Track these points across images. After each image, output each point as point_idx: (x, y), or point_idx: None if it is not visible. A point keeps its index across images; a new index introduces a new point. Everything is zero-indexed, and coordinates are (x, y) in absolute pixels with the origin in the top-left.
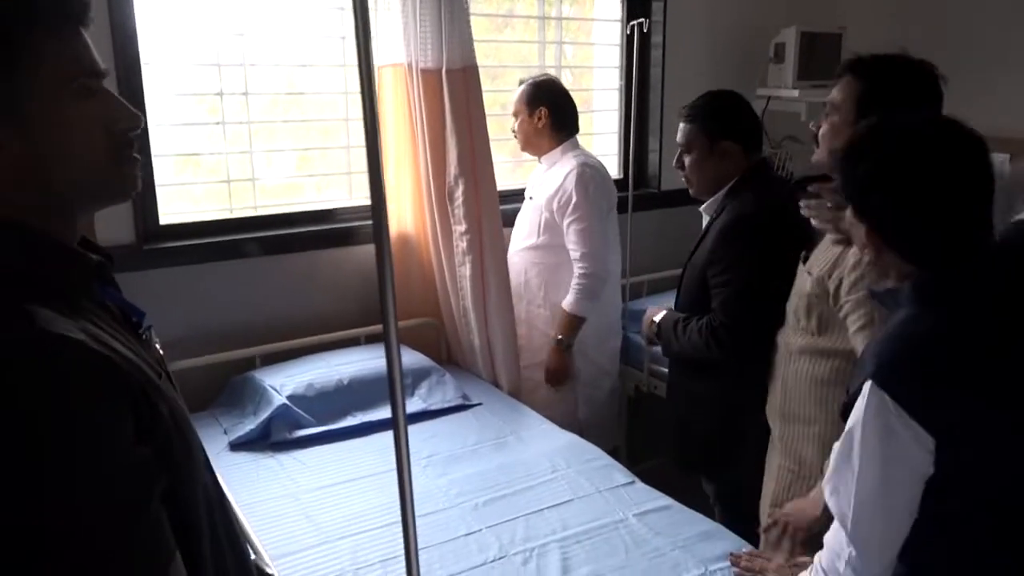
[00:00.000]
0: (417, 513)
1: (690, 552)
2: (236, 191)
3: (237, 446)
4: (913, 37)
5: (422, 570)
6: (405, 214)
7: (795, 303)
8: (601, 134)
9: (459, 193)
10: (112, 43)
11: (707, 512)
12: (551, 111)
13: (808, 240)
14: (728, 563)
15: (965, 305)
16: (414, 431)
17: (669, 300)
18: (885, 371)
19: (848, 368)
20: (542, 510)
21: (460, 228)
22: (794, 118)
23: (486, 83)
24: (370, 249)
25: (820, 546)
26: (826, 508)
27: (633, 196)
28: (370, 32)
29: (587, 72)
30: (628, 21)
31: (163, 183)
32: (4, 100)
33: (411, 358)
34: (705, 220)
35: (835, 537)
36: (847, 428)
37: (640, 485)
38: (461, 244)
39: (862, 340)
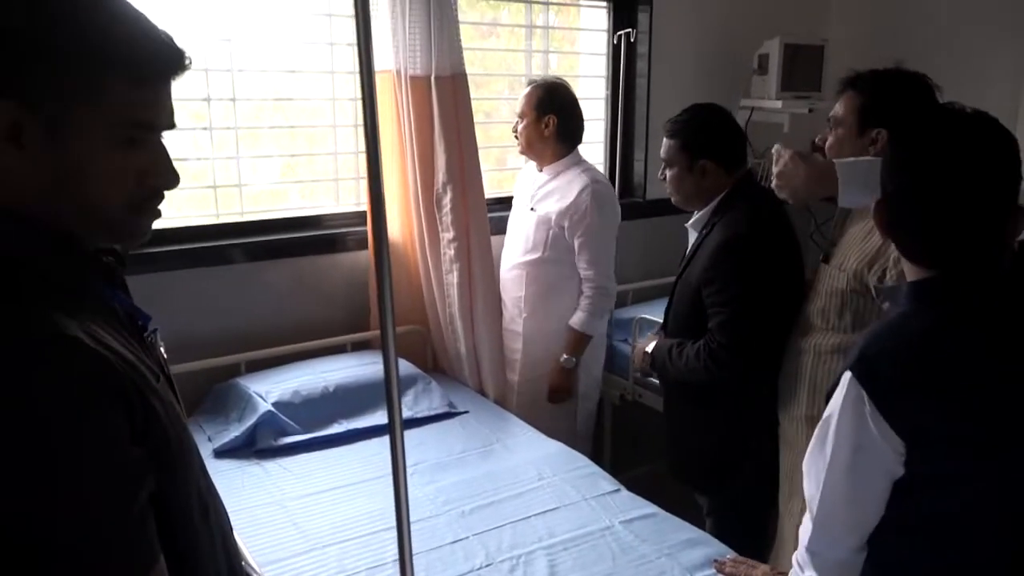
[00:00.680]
0: None
1: (675, 559)
2: (222, 197)
3: (221, 453)
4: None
5: None
6: (393, 221)
7: (823, 303)
8: (587, 143)
9: (447, 200)
10: None
11: (694, 520)
12: (560, 120)
13: (798, 249)
14: (713, 570)
15: (960, 312)
16: None
17: (654, 308)
18: (864, 366)
19: None
20: (529, 517)
21: (448, 235)
22: (777, 128)
23: (471, 91)
24: (357, 256)
25: None
26: None
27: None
28: (371, 39)
29: (573, 81)
30: (614, 31)
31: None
32: (52, 123)
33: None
34: (692, 236)
35: (804, 526)
36: (826, 414)
37: (625, 493)
38: (449, 251)
39: None
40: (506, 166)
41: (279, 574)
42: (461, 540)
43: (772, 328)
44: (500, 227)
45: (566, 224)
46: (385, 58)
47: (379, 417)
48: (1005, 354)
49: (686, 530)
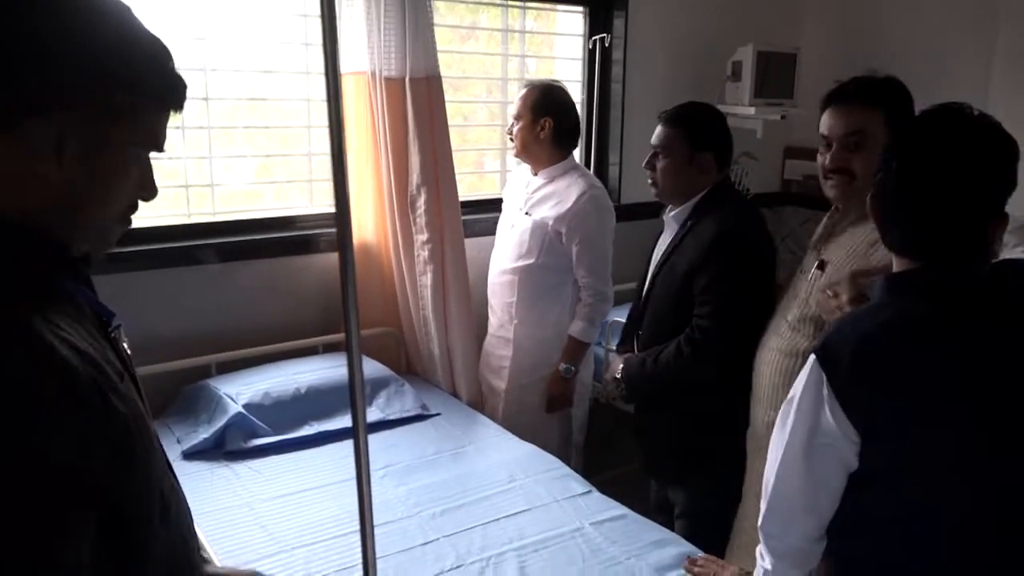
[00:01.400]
0: (374, 523)
1: (644, 560)
2: (194, 196)
3: (190, 455)
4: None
5: None
6: (366, 222)
7: (812, 311)
8: None
9: (421, 202)
10: None
11: (666, 522)
12: (556, 122)
13: (776, 252)
14: (682, 570)
15: (925, 309)
16: (372, 441)
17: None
18: (826, 351)
19: None
20: (499, 519)
21: (422, 237)
22: (750, 135)
23: (448, 94)
24: (330, 257)
25: None
26: None
27: None
28: (337, 40)
29: None
30: (590, 36)
31: None
32: (88, 140)
33: (370, 367)
34: (669, 229)
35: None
36: (790, 395)
37: (596, 495)
38: (423, 253)
39: None
40: (484, 169)
41: None
42: (431, 542)
43: (752, 324)
44: (476, 230)
45: (564, 230)
46: (360, 60)
47: (350, 419)
48: (961, 362)
49: (656, 531)
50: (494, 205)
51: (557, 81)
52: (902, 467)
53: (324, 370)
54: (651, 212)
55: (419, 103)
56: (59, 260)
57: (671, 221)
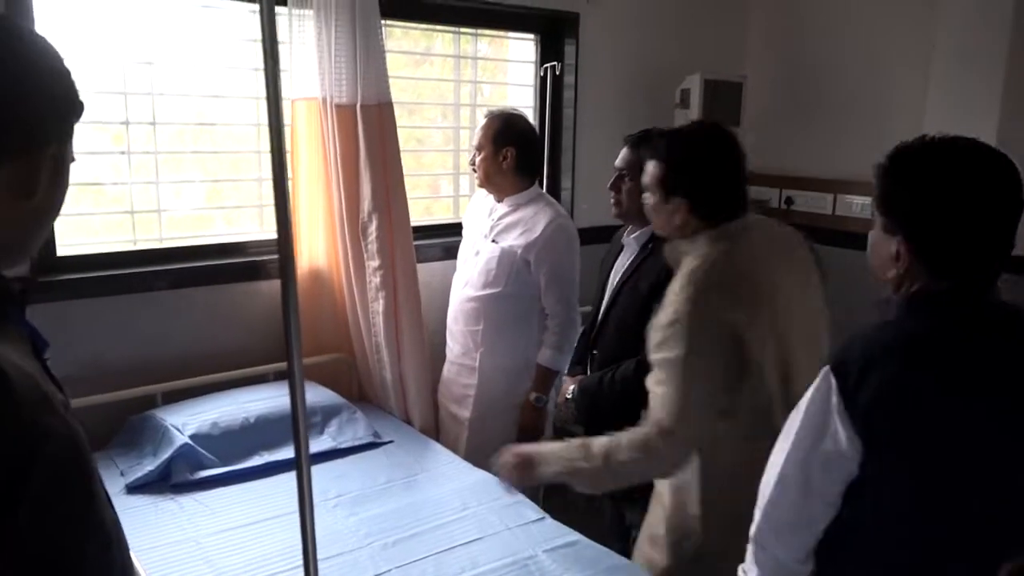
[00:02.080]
0: (325, 554)
1: None
2: (141, 222)
3: (134, 488)
4: (805, 85)
5: None
6: (317, 248)
7: None
8: None
9: (372, 228)
10: None
11: (623, 545)
12: (518, 152)
13: None
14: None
15: (946, 326)
16: (323, 470)
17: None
18: (839, 362)
19: None
20: (452, 548)
21: (373, 263)
22: None
23: (402, 118)
24: (279, 284)
25: None
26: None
27: None
28: (279, 65)
29: None
30: (542, 63)
31: (62, 213)
32: (56, 163)
33: (321, 395)
34: (630, 249)
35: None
36: (798, 405)
37: (549, 521)
38: (375, 279)
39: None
40: (439, 193)
41: None
42: (383, 573)
43: None
44: (429, 255)
45: (532, 258)
46: (311, 86)
47: None
48: (967, 388)
49: (609, 557)
50: (448, 230)
51: (516, 110)
52: (895, 482)
53: (274, 399)
54: (603, 237)
55: (370, 130)
56: (4, 286)
57: (631, 242)
